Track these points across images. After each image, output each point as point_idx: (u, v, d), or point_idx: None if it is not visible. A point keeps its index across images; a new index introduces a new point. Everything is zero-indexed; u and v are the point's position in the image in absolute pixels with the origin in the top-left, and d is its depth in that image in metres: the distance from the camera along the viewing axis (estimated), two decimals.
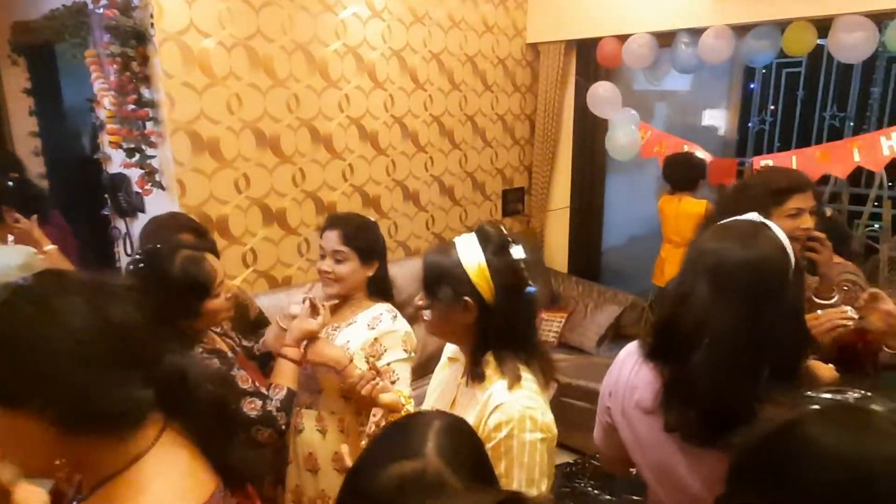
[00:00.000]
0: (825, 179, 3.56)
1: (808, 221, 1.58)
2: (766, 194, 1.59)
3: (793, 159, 2.84)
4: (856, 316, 1.38)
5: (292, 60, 2.59)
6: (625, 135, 3.20)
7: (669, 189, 3.13)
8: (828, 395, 0.65)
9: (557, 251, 3.90)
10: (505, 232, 1.19)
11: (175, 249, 1.43)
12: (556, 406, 2.96)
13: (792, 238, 1.17)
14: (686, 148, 3.13)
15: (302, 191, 2.73)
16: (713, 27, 2.87)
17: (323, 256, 1.67)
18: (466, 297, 1.16)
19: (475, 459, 0.79)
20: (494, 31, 3.42)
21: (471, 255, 1.18)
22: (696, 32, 2.96)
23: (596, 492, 2.65)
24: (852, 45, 2.54)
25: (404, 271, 3.10)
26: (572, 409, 2.86)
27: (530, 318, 1.23)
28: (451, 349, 1.37)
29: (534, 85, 3.71)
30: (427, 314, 1.24)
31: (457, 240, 1.24)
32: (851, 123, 3.81)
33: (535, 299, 1.19)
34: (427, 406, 1.36)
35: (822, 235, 1.61)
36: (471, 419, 1.23)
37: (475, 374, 1.24)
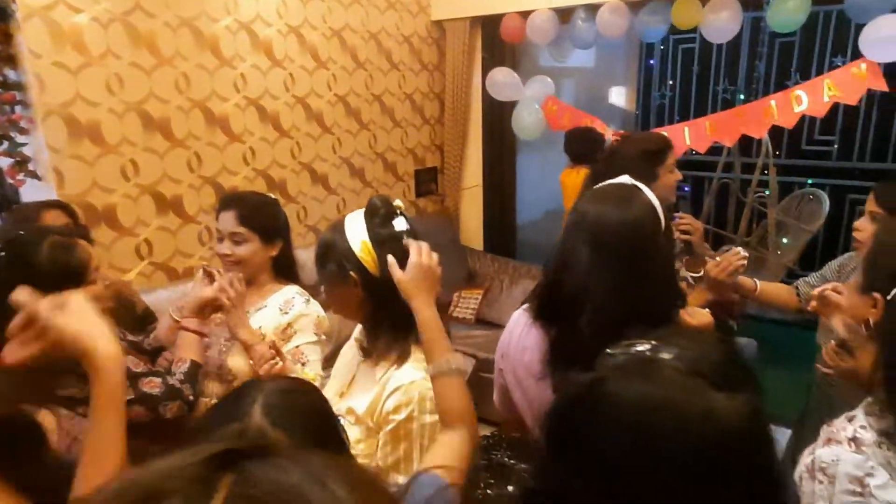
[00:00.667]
0: (719, 150, 3.76)
1: (678, 174, 1.79)
2: (646, 156, 1.73)
3: (685, 131, 2.98)
4: (747, 254, 1.56)
5: (178, 37, 2.43)
6: (529, 114, 3.24)
7: (570, 163, 3.21)
8: (624, 350, 0.66)
9: (473, 229, 3.93)
10: (395, 204, 1.18)
11: (41, 235, 1.31)
12: (475, 381, 3.01)
13: (668, 197, 1.25)
14: (589, 123, 3.21)
15: (199, 176, 2.59)
16: (609, 3, 2.94)
17: (221, 239, 1.58)
18: (351, 272, 1.14)
19: (316, 424, 0.77)
20: (397, 7, 3.36)
21: (356, 229, 1.16)
22: (593, 8, 3.02)
23: (512, 461, 2.71)
24: (721, 25, 2.68)
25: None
26: (488, 382, 2.89)
27: None
28: (358, 329, 1.35)
29: (441, 63, 3.69)
30: (322, 291, 1.22)
31: (347, 216, 1.22)
32: (741, 96, 4.03)
33: None
34: (329, 388, 1.33)
35: (693, 219, 1.74)
36: (368, 398, 1.21)
37: (366, 351, 1.23)
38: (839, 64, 3.53)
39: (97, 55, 2.22)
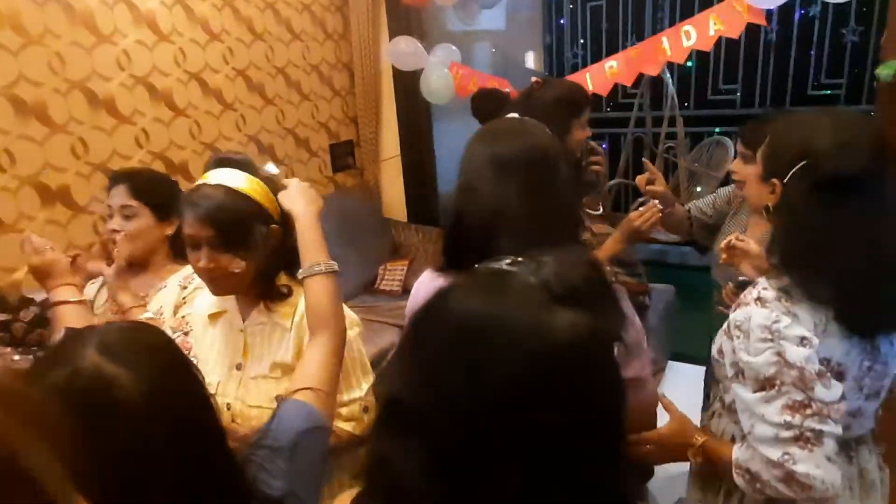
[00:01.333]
0: (630, 106, 3.83)
1: (589, 131, 1.80)
2: (563, 105, 1.71)
3: (587, 77, 3.00)
4: (662, 206, 1.64)
5: (46, 13, 2.24)
6: (437, 78, 3.18)
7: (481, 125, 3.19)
8: (486, 265, 0.64)
9: (395, 201, 3.88)
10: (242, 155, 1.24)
11: None
12: None
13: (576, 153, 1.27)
14: (496, 85, 3.19)
15: (87, 163, 2.42)
16: None
17: (111, 216, 1.51)
18: (273, 226, 1.18)
19: (162, 359, 0.73)
20: None
21: (243, 183, 1.16)
22: None
23: None
24: None
25: None
26: None
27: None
28: (206, 307, 1.30)
29: (347, 31, 3.57)
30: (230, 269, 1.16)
31: (211, 180, 1.17)
32: None
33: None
34: (213, 368, 1.26)
35: (601, 150, 1.75)
36: (289, 343, 1.21)
37: (279, 293, 1.23)
38: None
39: None
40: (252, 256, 1.15)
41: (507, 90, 3.14)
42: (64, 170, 2.35)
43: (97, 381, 0.64)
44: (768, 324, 1.06)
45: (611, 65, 2.94)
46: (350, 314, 1.23)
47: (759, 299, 1.09)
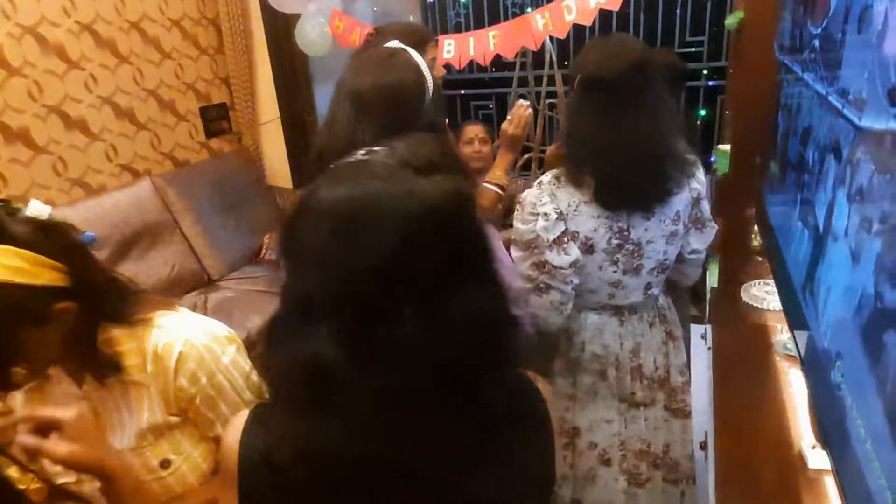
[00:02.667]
0: (513, 66, 3.87)
1: (442, 70, 1.92)
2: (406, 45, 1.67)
3: (470, 41, 2.98)
4: (529, 103, 1.74)
5: None
6: (313, 28, 3.03)
7: None
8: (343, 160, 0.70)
9: (278, 166, 3.70)
10: None
11: None
12: None
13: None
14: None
15: None
16: None
17: None
18: (60, 304, 0.86)
19: None
20: None
21: None
22: None
23: None
24: None
25: (88, 214, 2.67)
26: None
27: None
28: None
29: None
30: None
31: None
32: (529, 9, 4.13)
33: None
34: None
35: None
36: (150, 413, 0.96)
37: (106, 361, 0.94)
38: None
39: None
40: (39, 356, 0.89)
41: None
42: None
43: None
44: (534, 202, 1.40)
45: (494, 33, 2.93)
46: (221, 331, 1.01)
47: (539, 182, 1.43)
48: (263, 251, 3.38)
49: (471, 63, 3.08)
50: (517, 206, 1.45)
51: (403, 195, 0.60)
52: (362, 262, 0.59)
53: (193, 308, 2.11)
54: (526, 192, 1.46)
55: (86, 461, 0.77)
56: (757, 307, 1.82)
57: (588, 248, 1.41)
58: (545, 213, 1.37)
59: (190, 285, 3.00)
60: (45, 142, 2.59)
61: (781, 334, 1.61)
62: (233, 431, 0.69)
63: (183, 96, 3.24)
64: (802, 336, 1.12)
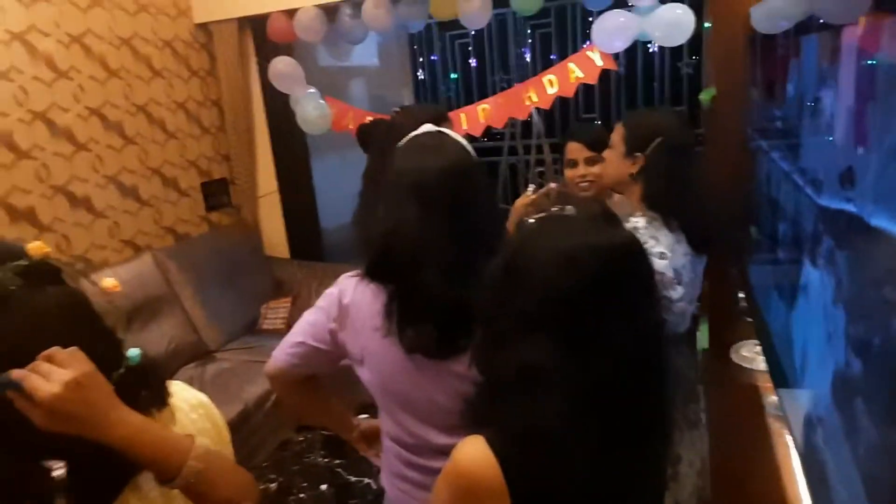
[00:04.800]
0: (503, 136, 4.05)
1: None
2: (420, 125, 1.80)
3: (462, 117, 3.14)
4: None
5: None
6: (314, 108, 3.19)
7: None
8: (536, 217, 0.89)
9: (276, 238, 3.78)
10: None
11: None
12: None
13: None
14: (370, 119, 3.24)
15: None
16: None
17: None
18: None
19: None
20: (151, 10, 3.12)
21: None
22: (357, 4, 3.05)
23: (326, 460, 2.65)
24: (474, 13, 2.87)
25: (90, 290, 2.71)
26: None
27: None
28: None
29: (214, 68, 3.49)
30: None
31: None
32: (516, 83, 4.34)
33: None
34: None
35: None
36: None
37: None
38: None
39: None
40: None
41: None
42: None
43: None
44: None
45: (483, 107, 3.11)
46: (190, 397, 0.98)
47: (634, 229, 1.52)
48: (260, 321, 3.41)
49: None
50: None
51: (606, 239, 0.83)
52: (579, 286, 0.80)
53: (190, 381, 2.11)
54: None
55: (72, 414, 0.70)
56: (747, 367, 1.87)
57: (679, 281, 1.60)
58: (661, 252, 1.51)
59: (188, 357, 3.01)
60: (49, 220, 2.67)
61: (772, 395, 1.65)
62: (471, 457, 0.82)
63: (185, 173, 3.36)
64: (788, 397, 1.17)
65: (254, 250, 3.65)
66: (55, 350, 0.72)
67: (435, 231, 1.04)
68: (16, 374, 0.69)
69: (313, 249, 3.81)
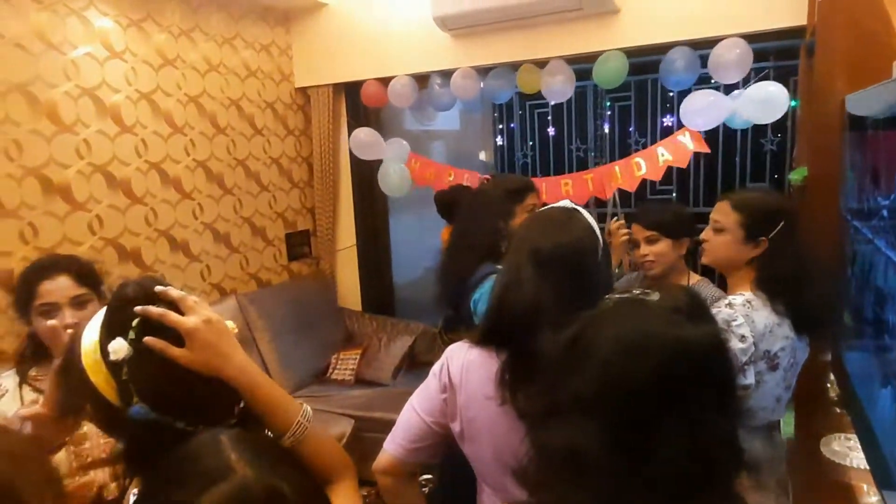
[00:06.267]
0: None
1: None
2: (508, 194, 1.95)
3: (543, 186, 3.20)
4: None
5: (7, 102, 2.31)
6: (395, 172, 3.34)
7: (448, 223, 3.30)
8: (618, 296, 0.84)
9: (350, 290, 3.91)
10: (157, 290, 0.86)
11: None
12: (354, 441, 2.90)
13: None
14: (452, 176, 3.34)
15: (35, 248, 2.41)
16: (460, 69, 3.16)
17: (48, 312, 1.36)
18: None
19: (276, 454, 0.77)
20: (259, 75, 3.41)
21: (90, 339, 0.85)
22: (447, 74, 3.23)
23: None
24: (558, 87, 2.97)
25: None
26: (369, 441, 2.82)
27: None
28: None
29: (307, 128, 3.75)
30: None
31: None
32: (592, 154, 4.41)
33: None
34: None
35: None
36: None
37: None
38: (668, 124, 3.99)
39: None
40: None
41: (468, 183, 3.27)
42: (9, 253, 2.33)
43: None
44: (728, 320, 1.50)
45: (566, 182, 3.15)
46: None
47: (729, 304, 1.55)
48: (330, 370, 3.49)
49: None
50: None
51: (682, 333, 0.75)
52: (640, 378, 0.73)
53: None
54: (714, 310, 1.50)
55: (209, 342, 0.83)
56: (839, 463, 1.75)
57: (773, 366, 1.56)
58: (742, 336, 1.48)
59: None
60: (151, 261, 2.88)
61: (869, 496, 1.53)
62: None
63: (273, 223, 3.57)
64: (892, 500, 1.09)
65: (329, 301, 3.78)
66: (184, 295, 0.85)
67: (549, 295, 1.07)
68: (155, 310, 0.81)
69: (385, 304, 3.90)
